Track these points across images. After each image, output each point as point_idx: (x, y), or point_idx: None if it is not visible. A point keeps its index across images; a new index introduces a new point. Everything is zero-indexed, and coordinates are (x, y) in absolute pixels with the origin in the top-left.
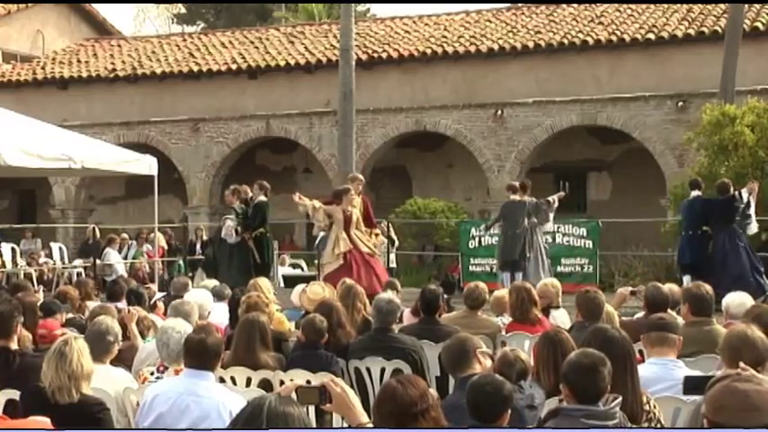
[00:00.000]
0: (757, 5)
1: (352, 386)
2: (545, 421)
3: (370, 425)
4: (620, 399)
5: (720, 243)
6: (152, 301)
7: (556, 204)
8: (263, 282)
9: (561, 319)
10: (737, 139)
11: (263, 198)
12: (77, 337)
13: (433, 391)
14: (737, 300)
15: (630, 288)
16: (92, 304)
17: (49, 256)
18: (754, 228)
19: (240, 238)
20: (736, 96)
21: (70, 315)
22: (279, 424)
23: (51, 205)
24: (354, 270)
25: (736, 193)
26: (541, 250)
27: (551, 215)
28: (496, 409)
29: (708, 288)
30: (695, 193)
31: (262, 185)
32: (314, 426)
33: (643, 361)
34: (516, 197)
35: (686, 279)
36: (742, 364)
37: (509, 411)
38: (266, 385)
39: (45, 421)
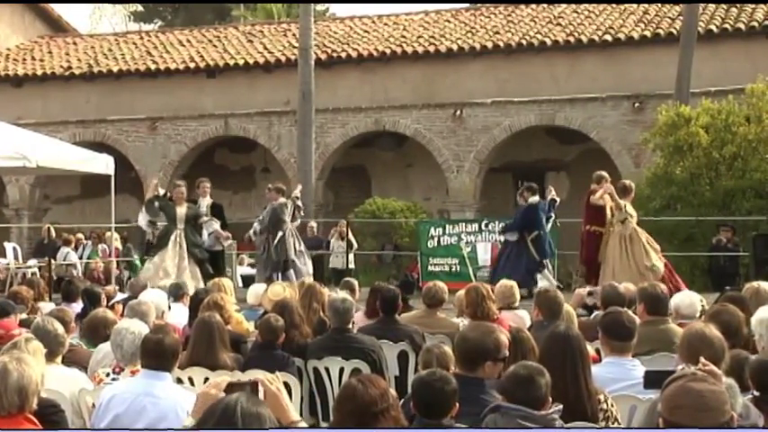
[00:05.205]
0: (711, 7)
1: (311, 386)
2: (485, 415)
3: (303, 423)
4: (561, 407)
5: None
6: (110, 303)
7: None
8: (225, 282)
9: (523, 317)
10: (692, 140)
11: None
12: (31, 338)
13: (392, 391)
14: (687, 300)
15: (588, 288)
16: (44, 305)
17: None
18: None
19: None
20: (691, 98)
21: (24, 315)
22: (253, 424)
23: (5, 205)
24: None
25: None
26: None
27: None
28: (445, 405)
29: (663, 288)
30: (537, 197)
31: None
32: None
33: (600, 360)
34: None
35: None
36: (703, 359)
37: (457, 406)
38: None
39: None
